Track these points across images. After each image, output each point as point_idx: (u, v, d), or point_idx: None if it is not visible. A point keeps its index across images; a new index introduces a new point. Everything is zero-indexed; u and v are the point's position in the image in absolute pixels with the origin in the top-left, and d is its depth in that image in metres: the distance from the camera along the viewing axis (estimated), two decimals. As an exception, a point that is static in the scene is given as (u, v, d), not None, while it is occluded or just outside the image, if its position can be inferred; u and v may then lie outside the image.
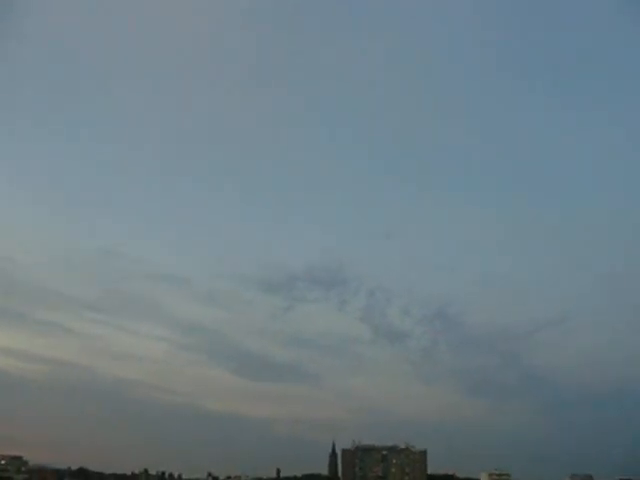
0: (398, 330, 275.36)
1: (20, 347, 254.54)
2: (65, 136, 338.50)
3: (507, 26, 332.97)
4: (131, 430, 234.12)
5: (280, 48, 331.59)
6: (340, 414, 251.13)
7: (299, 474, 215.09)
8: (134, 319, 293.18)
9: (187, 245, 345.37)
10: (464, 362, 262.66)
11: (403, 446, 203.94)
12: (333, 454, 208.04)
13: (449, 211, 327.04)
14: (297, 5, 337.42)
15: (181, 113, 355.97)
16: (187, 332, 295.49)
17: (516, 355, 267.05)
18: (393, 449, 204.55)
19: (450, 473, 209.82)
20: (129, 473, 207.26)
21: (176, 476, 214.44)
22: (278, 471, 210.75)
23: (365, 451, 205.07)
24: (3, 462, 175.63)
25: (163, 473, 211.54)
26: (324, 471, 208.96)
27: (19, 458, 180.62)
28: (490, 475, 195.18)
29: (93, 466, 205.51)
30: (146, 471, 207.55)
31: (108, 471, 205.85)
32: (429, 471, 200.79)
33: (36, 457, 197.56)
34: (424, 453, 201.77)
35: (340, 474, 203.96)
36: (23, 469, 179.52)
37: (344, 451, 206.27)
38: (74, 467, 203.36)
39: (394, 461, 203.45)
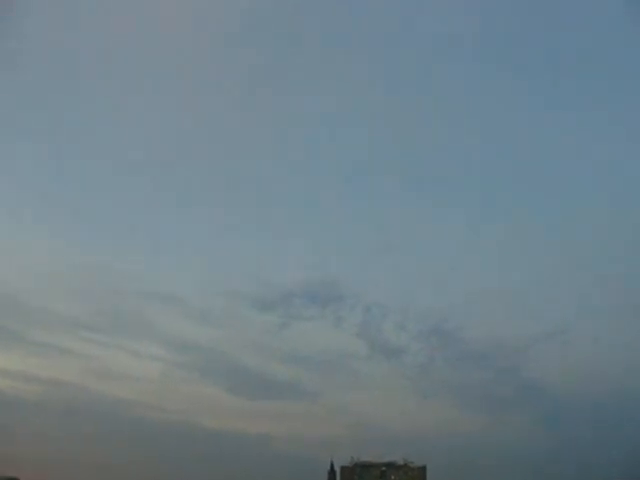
0: (395, 346, 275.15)
1: (15, 367, 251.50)
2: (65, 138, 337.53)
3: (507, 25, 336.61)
4: (127, 449, 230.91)
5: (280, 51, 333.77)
6: (338, 430, 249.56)
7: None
8: (129, 338, 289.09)
9: (182, 262, 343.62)
10: (462, 377, 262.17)
11: (402, 462, 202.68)
12: (332, 471, 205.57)
13: (445, 226, 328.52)
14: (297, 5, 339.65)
15: (181, 114, 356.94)
16: (182, 350, 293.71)
17: (514, 368, 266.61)
18: (392, 465, 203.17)
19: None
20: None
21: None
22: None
23: (364, 467, 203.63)
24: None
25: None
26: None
27: (14, 479, 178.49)
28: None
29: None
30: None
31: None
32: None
33: (31, 477, 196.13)
34: (423, 469, 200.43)
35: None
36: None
37: (343, 468, 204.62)
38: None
39: (393, 477, 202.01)
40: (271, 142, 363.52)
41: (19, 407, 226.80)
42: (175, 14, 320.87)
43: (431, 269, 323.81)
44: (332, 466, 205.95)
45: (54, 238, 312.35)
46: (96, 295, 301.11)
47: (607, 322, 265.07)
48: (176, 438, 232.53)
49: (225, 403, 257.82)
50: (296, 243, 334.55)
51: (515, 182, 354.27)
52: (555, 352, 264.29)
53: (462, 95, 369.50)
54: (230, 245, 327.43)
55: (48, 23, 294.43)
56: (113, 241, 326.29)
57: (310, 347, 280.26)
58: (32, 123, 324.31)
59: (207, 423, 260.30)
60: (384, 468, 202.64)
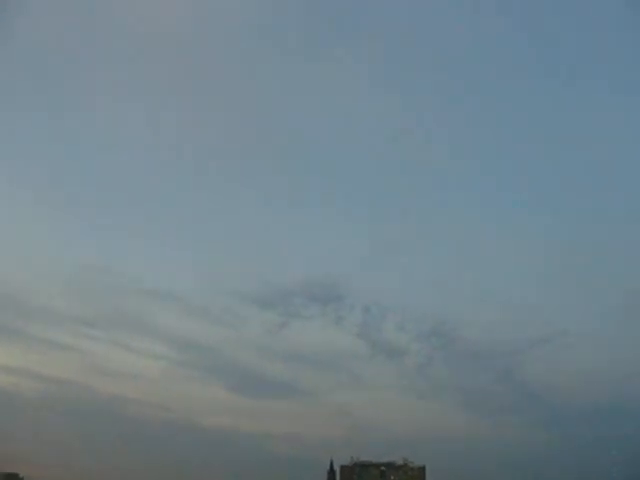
0: (394, 346, 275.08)
1: (17, 364, 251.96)
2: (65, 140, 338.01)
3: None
4: (127, 447, 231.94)
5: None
6: (337, 430, 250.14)
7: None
8: (130, 336, 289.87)
9: (182, 261, 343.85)
10: (461, 378, 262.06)
11: (401, 462, 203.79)
12: (331, 471, 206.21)
13: (446, 227, 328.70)
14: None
15: (182, 112, 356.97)
16: (182, 349, 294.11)
17: (514, 371, 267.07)
18: (391, 465, 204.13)
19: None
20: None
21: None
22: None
23: (363, 467, 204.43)
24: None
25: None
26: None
27: (15, 475, 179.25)
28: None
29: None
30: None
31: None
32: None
33: (31, 474, 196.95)
34: (422, 469, 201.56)
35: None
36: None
37: (342, 467, 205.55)
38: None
39: (392, 477, 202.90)
40: (270, 141, 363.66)
41: (20, 404, 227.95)
42: (174, 15, 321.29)
43: (431, 270, 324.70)
44: (332, 465, 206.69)
45: (55, 236, 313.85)
46: (97, 293, 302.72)
47: (606, 324, 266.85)
48: (175, 436, 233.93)
49: (225, 401, 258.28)
50: (296, 242, 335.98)
51: (514, 183, 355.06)
52: (555, 354, 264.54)
53: (463, 101, 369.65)
54: (230, 244, 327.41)
55: (47, 23, 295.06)
56: (114, 239, 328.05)
57: (310, 346, 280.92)
58: (32, 122, 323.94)
59: (207, 421, 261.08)
60: (383, 468, 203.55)
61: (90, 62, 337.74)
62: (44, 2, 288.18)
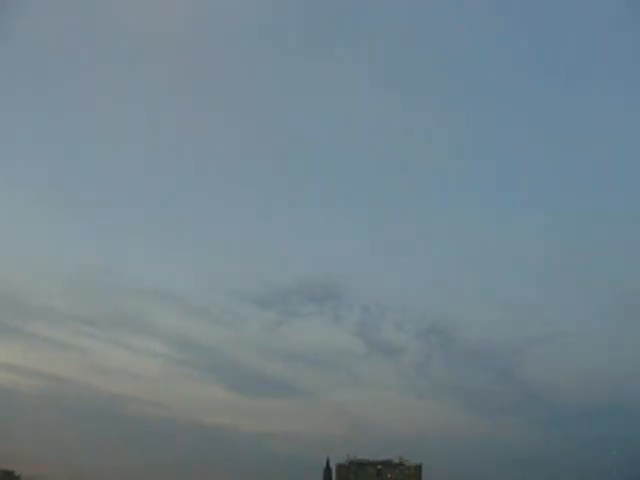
0: (393, 345, 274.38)
1: (16, 361, 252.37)
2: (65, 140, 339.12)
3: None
4: (126, 446, 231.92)
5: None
6: (334, 428, 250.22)
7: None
8: (129, 335, 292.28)
9: (182, 261, 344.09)
10: (460, 377, 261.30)
11: (397, 461, 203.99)
12: (327, 469, 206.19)
13: (445, 227, 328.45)
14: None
15: (182, 111, 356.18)
16: (181, 348, 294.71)
17: (514, 370, 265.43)
18: (387, 464, 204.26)
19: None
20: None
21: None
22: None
23: (359, 466, 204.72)
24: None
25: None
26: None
27: (10, 473, 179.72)
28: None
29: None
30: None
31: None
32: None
33: (28, 472, 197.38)
34: (419, 468, 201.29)
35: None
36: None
37: (338, 466, 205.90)
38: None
39: (389, 476, 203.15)
40: (270, 141, 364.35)
41: (18, 402, 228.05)
42: (173, 15, 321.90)
43: (430, 269, 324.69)
44: (328, 464, 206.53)
45: (55, 236, 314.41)
46: (97, 292, 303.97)
47: (606, 324, 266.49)
48: (175, 435, 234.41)
49: (224, 400, 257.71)
50: (295, 241, 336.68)
51: (514, 183, 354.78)
52: (554, 354, 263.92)
53: (464, 102, 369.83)
54: (230, 243, 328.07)
55: (46, 23, 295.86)
56: (113, 239, 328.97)
57: (308, 345, 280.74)
58: (32, 122, 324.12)
59: (206, 420, 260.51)
60: (380, 466, 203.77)
61: (90, 62, 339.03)
62: (44, 2, 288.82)
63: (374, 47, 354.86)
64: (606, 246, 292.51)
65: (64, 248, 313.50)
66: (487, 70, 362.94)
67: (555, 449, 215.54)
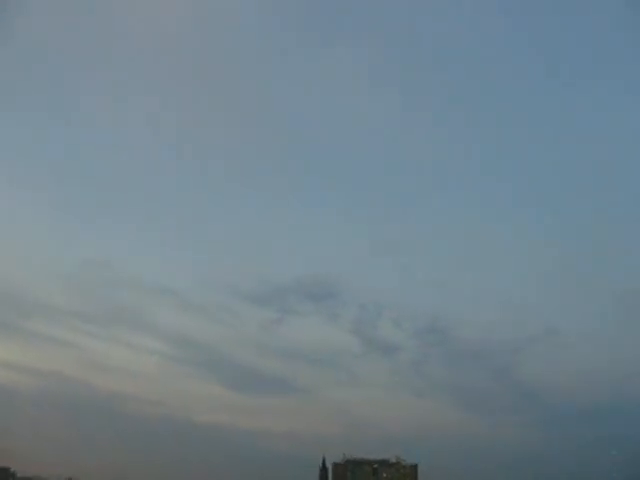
0: (389, 343, 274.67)
1: (13, 358, 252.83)
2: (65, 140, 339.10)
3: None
4: (121, 442, 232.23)
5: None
6: (331, 427, 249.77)
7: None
8: (127, 332, 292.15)
9: (178, 257, 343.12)
10: (457, 376, 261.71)
11: (394, 460, 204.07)
12: (323, 468, 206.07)
13: (443, 226, 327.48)
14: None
15: (179, 111, 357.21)
16: (178, 345, 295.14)
17: (511, 370, 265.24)
18: (384, 463, 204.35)
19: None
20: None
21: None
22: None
23: (356, 464, 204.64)
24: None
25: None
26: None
27: (6, 470, 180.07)
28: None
29: (81, 478, 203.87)
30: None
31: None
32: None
33: (24, 469, 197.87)
34: (415, 467, 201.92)
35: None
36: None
37: (335, 465, 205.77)
38: (62, 479, 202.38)
39: (385, 475, 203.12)
40: (270, 141, 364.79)
41: (15, 399, 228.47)
42: (171, 14, 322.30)
43: (428, 268, 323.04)
44: (324, 463, 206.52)
45: (54, 235, 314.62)
46: (96, 290, 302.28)
47: (606, 324, 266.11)
48: (172, 432, 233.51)
49: (220, 398, 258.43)
50: (292, 239, 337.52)
51: (514, 183, 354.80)
52: (553, 353, 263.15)
53: (464, 102, 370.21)
54: (228, 241, 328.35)
55: (45, 23, 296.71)
56: (112, 237, 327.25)
57: (305, 343, 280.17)
58: (32, 123, 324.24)
59: (202, 418, 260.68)
60: (376, 465, 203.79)
61: (90, 62, 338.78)
62: (44, 2, 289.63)
63: (374, 47, 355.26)
64: (606, 246, 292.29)
65: (63, 246, 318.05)
66: (487, 70, 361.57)
67: (554, 449, 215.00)
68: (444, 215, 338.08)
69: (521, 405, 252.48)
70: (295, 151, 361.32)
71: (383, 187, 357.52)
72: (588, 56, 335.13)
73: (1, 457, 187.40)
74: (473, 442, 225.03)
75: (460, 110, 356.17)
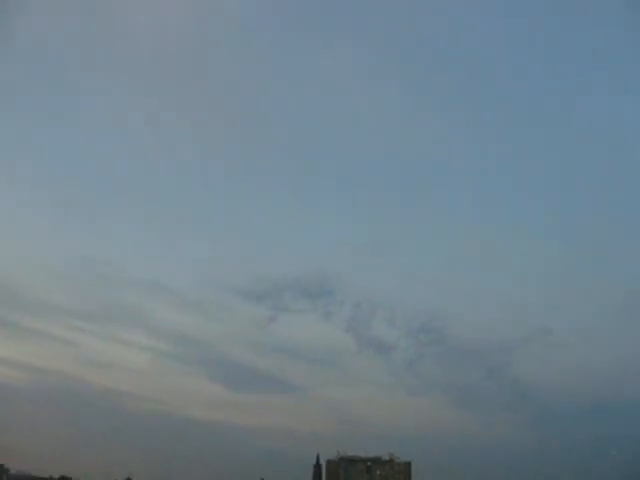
0: (384, 342, 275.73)
1: (9, 355, 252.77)
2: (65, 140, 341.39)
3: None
4: (115, 439, 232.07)
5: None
6: (325, 425, 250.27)
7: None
8: (120, 328, 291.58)
9: (175, 255, 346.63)
10: (450, 375, 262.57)
11: (387, 457, 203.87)
12: (317, 465, 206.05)
13: (436, 225, 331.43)
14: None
15: (175, 114, 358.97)
16: (172, 341, 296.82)
17: (503, 368, 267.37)
18: (377, 460, 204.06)
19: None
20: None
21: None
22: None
23: (349, 462, 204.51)
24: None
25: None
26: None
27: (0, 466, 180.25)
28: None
29: (76, 474, 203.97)
30: (128, 479, 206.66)
31: (89, 479, 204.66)
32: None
33: (18, 465, 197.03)
34: (408, 464, 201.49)
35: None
36: (4, 477, 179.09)
37: (328, 462, 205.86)
38: (56, 476, 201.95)
39: (378, 472, 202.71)
40: (269, 139, 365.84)
41: (9, 395, 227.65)
42: (169, 14, 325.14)
43: (422, 267, 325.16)
44: (318, 460, 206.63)
45: (48, 229, 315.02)
46: (91, 287, 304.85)
47: (603, 323, 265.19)
48: (166, 429, 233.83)
49: (215, 395, 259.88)
50: (288, 238, 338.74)
51: (513, 182, 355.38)
52: (548, 352, 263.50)
53: (460, 101, 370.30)
54: (223, 238, 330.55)
55: (44, 23, 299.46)
56: (109, 234, 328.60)
57: (299, 341, 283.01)
58: (32, 122, 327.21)
59: (196, 414, 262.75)
60: (370, 463, 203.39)
61: (90, 62, 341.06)
62: (44, 2, 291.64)
63: (374, 47, 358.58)
64: (606, 246, 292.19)
65: (62, 244, 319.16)
66: (487, 71, 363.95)
67: (551, 448, 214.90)
68: (441, 214, 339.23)
69: (517, 404, 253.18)
70: (294, 151, 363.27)
71: (382, 187, 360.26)
72: (588, 57, 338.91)
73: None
74: (467, 440, 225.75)
75: (460, 110, 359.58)
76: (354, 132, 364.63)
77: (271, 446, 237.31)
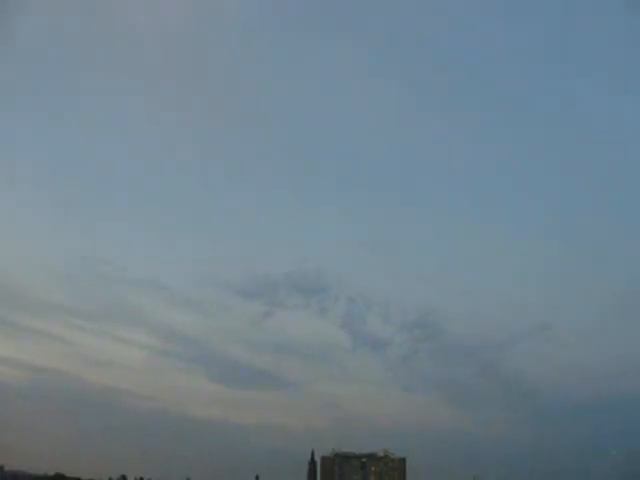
0: (378, 338, 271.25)
1: (6, 353, 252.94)
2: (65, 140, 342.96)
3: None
4: (110, 436, 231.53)
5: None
6: (319, 421, 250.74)
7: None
8: (117, 326, 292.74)
9: (168, 251, 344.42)
10: (445, 371, 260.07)
11: (382, 454, 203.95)
12: (312, 461, 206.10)
13: (432, 223, 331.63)
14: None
15: (175, 114, 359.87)
16: (168, 339, 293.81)
17: (500, 365, 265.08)
18: (372, 457, 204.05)
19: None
20: (106, 479, 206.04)
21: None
22: (257, 478, 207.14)
23: (344, 458, 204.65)
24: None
25: (141, 478, 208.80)
26: (303, 478, 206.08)
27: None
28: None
29: (71, 472, 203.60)
30: (124, 477, 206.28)
31: (85, 477, 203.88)
32: (408, 479, 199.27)
33: (12, 463, 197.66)
34: (403, 461, 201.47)
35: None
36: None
37: (323, 458, 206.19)
38: (51, 473, 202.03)
39: (373, 469, 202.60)
40: (267, 138, 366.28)
41: (5, 393, 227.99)
42: (167, 13, 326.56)
43: (416, 263, 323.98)
44: (313, 456, 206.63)
45: (48, 229, 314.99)
46: (89, 285, 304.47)
47: (602, 322, 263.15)
48: (162, 426, 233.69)
49: (209, 392, 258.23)
50: (282, 234, 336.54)
51: (513, 182, 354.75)
52: (541, 349, 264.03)
53: (456, 100, 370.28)
54: (217, 234, 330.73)
55: (44, 23, 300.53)
56: (106, 232, 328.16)
57: (294, 337, 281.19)
58: (32, 122, 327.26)
59: (192, 411, 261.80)
60: (364, 459, 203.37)
61: (90, 62, 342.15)
62: (44, 2, 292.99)
63: (374, 47, 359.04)
64: (606, 246, 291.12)
65: (60, 244, 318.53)
66: (487, 70, 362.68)
67: (547, 446, 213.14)
68: (444, 215, 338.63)
69: (513, 401, 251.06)
70: (294, 150, 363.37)
71: (382, 186, 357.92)
72: (588, 57, 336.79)
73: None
74: (462, 437, 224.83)
75: (460, 110, 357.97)
76: (354, 132, 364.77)
77: (266, 443, 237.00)
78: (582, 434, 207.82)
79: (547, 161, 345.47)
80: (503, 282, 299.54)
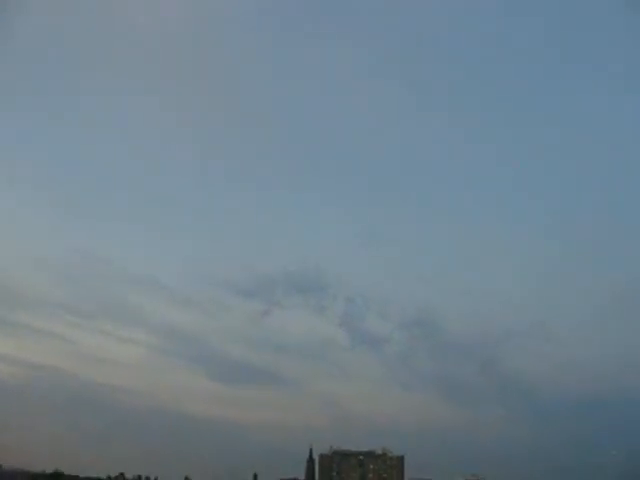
0: (377, 336, 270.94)
1: (4, 351, 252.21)
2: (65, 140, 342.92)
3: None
4: (108, 434, 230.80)
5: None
6: (318, 419, 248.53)
7: (276, 479, 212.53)
8: (114, 324, 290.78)
9: (168, 251, 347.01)
10: (443, 369, 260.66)
11: (380, 451, 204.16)
12: (310, 459, 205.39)
13: (432, 222, 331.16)
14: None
15: (175, 114, 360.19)
16: (166, 337, 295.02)
17: (498, 363, 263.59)
18: (370, 454, 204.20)
19: (427, 479, 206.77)
20: (104, 477, 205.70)
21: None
22: (255, 476, 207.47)
23: (342, 456, 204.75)
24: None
25: (140, 477, 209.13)
26: (301, 476, 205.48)
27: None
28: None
29: (69, 470, 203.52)
30: (122, 475, 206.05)
31: (83, 475, 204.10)
32: (406, 477, 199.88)
33: (10, 460, 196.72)
34: (401, 458, 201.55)
35: (317, 479, 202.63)
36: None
37: (321, 456, 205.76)
38: (49, 471, 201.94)
39: (371, 466, 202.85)
40: (265, 137, 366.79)
41: (6, 391, 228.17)
42: (166, 13, 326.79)
43: (414, 261, 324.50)
44: (311, 454, 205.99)
45: (48, 229, 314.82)
46: (88, 284, 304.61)
47: (602, 321, 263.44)
48: (160, 424, 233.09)
49: (208, 390, 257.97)
50: (281, 232, 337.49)
51: (507, 183, 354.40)
52: (540, 348, 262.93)
53: (455, 100, 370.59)
54: (216, 234, 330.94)
55: (44, 23, 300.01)
56: (106, 232, 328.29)
57: (292, 336, 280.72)
58: (32, 122, 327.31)
59: (190, 410, 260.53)
60: (362, 457, 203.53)
61: (90, 62, 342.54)
62: (44, 2, 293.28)
63: (374, 47, 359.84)
64: (606, 246, 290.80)
65: (60, 243, 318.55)
66: (487, 70, 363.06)
67: (546, 444, 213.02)
68: (444, 215, 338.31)
69: (511, 399, 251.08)
70: (294, 150, 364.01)
71: (382, 186, 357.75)
72: (588, 57, 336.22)
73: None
74: (461, 435, 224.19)
75: (460, 110, 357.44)
76: (354, 132, 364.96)
77: (264, 441, 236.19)
78: (581, 433, 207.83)
79: (547, 161, 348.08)
80: (503, 282, 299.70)
